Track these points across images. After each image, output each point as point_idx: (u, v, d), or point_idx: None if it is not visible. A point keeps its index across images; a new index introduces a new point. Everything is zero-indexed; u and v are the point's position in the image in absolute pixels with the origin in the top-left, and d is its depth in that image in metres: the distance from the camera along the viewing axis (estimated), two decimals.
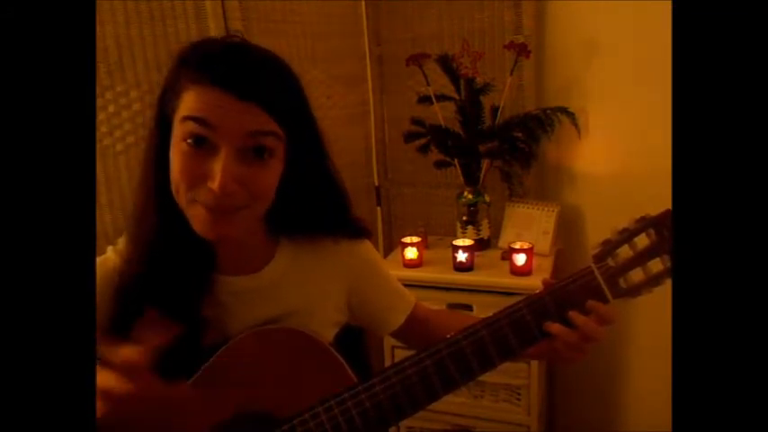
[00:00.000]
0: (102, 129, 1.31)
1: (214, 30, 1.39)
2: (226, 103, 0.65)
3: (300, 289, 0.83)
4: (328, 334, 0.87)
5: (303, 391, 0.74)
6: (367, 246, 0.90)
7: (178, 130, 0.68)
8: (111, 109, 1.32)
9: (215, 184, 0.65)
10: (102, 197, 1.33)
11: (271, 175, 0.71)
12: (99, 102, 1.30)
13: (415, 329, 0.93)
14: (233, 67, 0.67)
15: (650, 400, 1.75)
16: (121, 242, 0.82)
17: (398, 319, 0.92)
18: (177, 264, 0.74)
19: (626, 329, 1.76)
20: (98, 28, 1.26)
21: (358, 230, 0.87)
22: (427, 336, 0.92)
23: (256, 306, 0.81)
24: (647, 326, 1.72)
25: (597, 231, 1.75)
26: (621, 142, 1.67)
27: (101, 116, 1.31)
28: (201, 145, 0.66)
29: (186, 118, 0.66)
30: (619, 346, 1.79)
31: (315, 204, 0.80)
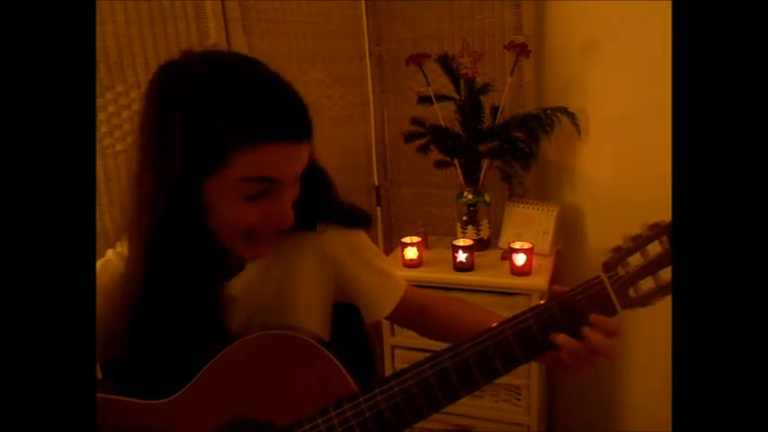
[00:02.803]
0: (102, 129, 1.31)
1: (214, 30, 1.39)
2: (292, 154, 0.69)
3: (285, 274, 0.84)
4: (320, 318, 0.87)
5: (300, 396, 0.74)
6: (355, 234, 0.88)
7: (232, 187, 0.68)
8: (111, 109, 1.32)
9: (285, 222, 0.72)
10: (102, 197, 1.33)
11: (299, 186, 0.76)
12: (99, 102, 1.30)
13: (408, 316, 0.92)
14: (287, 116, 0.69)
15: (650, 401, 1.75)
16: (121, 246, 0.81)
17: (384, 310, 0.89)
18: (194, 275, 0.74)
19: (626, 330, 1.76)
20: (98, 28, 1.26)
21: (347, 219, 0.87)
22: (423, 323, 0.92)
23: (249, 299, 0.81)
24: (647, 326, 1.71)
25: (597, 231, 1.75)
26: (621, 142, 1.67)
27: (101, 116, 1.31)
28: (263, 195, 0.70)
29: (250, 179, 0.68)
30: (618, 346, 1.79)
31: (302, 197, 0.79)
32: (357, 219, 0.88)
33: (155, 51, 1.35)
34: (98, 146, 1.31)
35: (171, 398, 0.73)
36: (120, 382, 0.75)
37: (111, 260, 0.80)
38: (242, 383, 0.74)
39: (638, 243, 0.70)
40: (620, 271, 0.70)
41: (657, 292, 0.70)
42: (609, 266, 0.71)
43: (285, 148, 0.68)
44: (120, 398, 0.73)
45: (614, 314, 0.71)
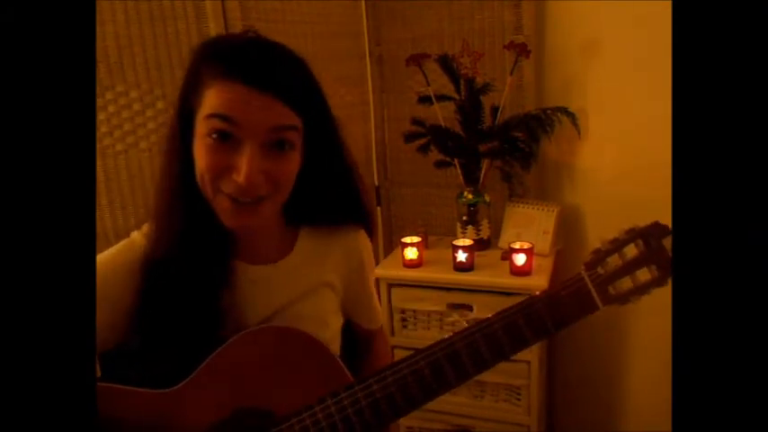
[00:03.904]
0: (102, 129, 1.32)
1: (214, 30, 1.39)
2: (249, 99, 0.68)
3: (314, 277, 0.86)
4: (336, 321, 0.89)
5: (301, 389, 0.75)
6: (369, 241, 0.93)
7: (202, 127, 0.70)
8: (111, 109, 1.32)
9: (240, 177, 0.69)
10: (102, 197, 1.33)
11: (291, 166, 0.74)
12: (99, 102, 1.30)
13: (366, 339, 0.98)
14: (253, 60, 0.69)
15: (650, 401, 1.75)
16: (147, 227, 0.82)
17: (379, 320, 0.97)
18: (199, 251, 0.76)
19: (625, 330, 1.76)
20: (98, 28, 1.26)
21: (370, 226, 0.92)
22: (366, 350, 0.98)
23: (272, 294, 0.82)
24: (647, 326, 1.72)
25: (597, 231, 1.76)
26: (621, 142, 1.67)
27: (101, 116, 1.31)
28: (226, 139, 0.69)
29: (210, 116, 0.69)
30: (618, 346, 1.79)
31: (335, 193, 0.84)
32: (372, 226, 0.93)
33: (155, 51, 1.35)
34: (98, 146, 1.31)
35: (174, 387, 0.74)
36: (125, 372, 0.75)
37: (136, 240, 0.81)
38: (244, 375, 0.76)
39: (616, 245, 0.76)
40: (600, 270, 0.76)
41: (634, 291, 0.76)
42: (589, 266, 0.76)
43: (245, 90, 0.68)
44: (124, 387, 0.74)
45: (596, 310, 0.75)
